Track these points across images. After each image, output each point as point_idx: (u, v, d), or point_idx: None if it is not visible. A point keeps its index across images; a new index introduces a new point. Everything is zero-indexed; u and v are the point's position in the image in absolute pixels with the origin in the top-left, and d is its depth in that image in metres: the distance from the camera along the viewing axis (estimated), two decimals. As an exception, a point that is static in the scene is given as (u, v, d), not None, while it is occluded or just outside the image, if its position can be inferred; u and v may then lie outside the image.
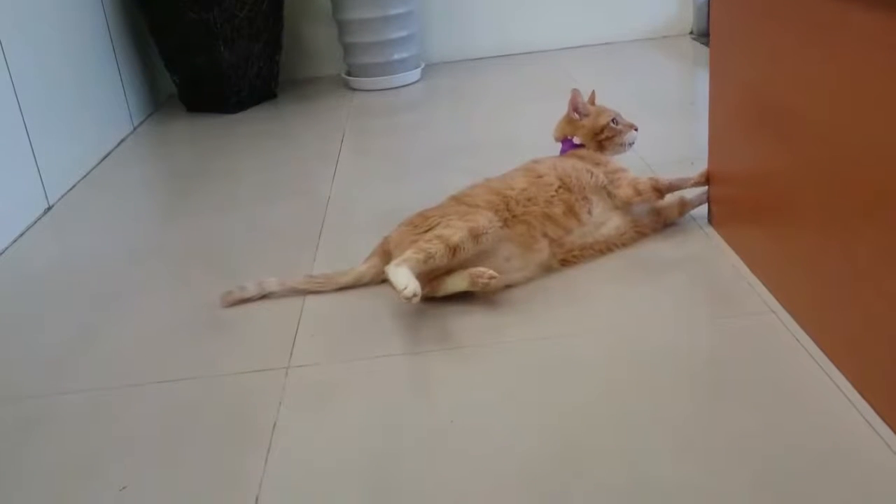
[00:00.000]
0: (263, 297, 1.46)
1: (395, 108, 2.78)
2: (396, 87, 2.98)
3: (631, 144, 1.62)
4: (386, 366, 1.24)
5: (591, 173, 1.51)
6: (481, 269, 1.32)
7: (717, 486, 0.94)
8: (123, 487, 1.04)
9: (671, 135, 2.15)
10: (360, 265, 1.47)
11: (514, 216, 1.42)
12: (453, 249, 1.32)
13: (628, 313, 1.33)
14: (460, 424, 1.09)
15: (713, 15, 1.48)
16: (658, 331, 1.27)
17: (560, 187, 1.47)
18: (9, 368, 1.36)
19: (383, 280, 1.39)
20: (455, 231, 1.33)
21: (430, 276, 1.35)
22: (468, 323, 1.32)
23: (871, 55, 0.97)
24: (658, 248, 1.51)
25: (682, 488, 0.94)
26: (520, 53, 3.25)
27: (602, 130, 1.60)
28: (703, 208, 1.60)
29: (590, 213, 1.48)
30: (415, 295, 1.24)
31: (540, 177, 1.48)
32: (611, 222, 1.51)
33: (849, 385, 1.08)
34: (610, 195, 1.51)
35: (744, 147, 1.39)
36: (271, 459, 1.06)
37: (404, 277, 1.26)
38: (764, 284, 1.34)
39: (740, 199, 1.44)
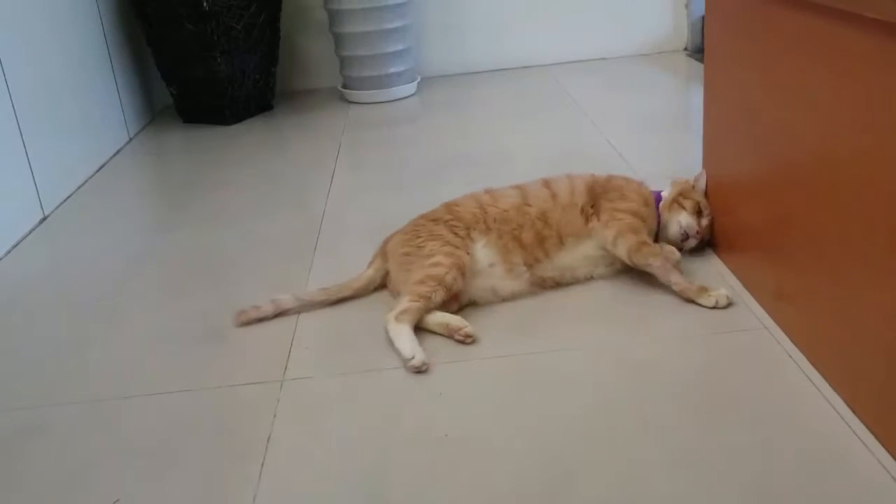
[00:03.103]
0: (278, 315, 1.43)
1: (390, 121, 2.79)
2: (392, 101, 2.99)
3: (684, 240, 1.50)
4: (380, 379, 1.24)
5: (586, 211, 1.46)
6: (458, 323, 1.32)
7: (708, 500, 0.94)
8: (116, 501, 1.03)
9: (665, 149, 2.16)
10: (366, 270, 1.50)
11: (488, 229, 1.45)
12: (448, 289, 1.34)
13: (622, 328, 1.33)
14: (454, 438, 1.09)
15: (707, 32, 1.50)
16: (651, 346, 1.27)
17: (538, 218, 1.45)
18: (1, 379, 1.35)
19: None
20: (446, 269, 1.35)
21: None
22: (462, 337, 1.33)
23: (866, 73, 0.98)
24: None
25: (674, 502, 0.95)
26: (515, 68, 3.27)
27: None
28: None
29: (562, 244, 1.44)
30: (423, 364, 1.24)
31: (528, 205, 1.47)
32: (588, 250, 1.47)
33: (840, 401, 1.08)
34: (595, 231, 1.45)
35: (737, 163, 1.40)
36: (265, 472, 1.06)
37: (409, 344, 1.26)
38: (756, 300, 1.34)
39: (733, 215, 1.45)
